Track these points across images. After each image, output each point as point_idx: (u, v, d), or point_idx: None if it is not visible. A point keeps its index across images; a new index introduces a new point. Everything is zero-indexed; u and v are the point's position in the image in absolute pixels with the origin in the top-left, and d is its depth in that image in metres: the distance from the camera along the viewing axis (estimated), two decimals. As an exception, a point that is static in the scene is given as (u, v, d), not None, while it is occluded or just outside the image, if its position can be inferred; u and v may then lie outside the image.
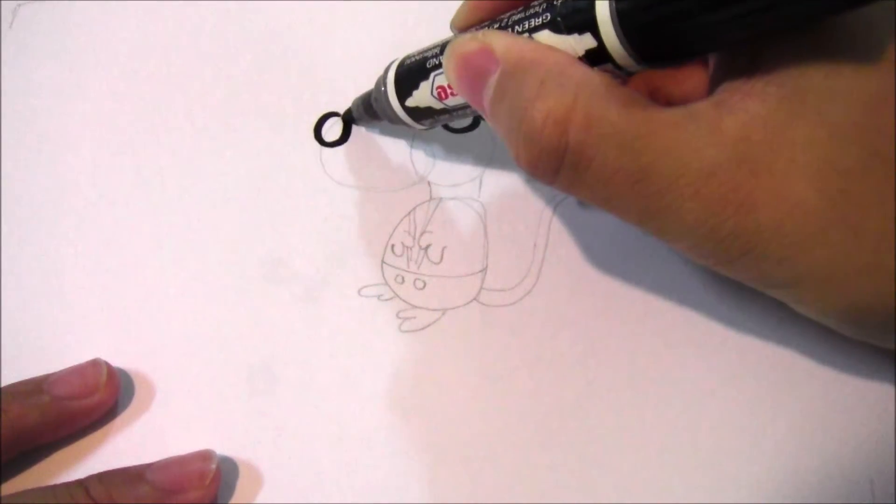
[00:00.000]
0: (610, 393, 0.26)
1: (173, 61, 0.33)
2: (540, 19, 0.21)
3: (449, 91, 0.24)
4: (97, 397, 0.26)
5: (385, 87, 0.26)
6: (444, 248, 0.29)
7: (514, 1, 0.23)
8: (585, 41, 0.20)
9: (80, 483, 0.24)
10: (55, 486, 0.25)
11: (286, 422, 0.27)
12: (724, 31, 0.18)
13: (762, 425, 0.25)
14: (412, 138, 0.31)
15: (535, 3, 0.21)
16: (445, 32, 0.25)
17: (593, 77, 0.20)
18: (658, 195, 0.19)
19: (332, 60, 0.32)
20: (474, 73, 0.22)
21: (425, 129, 0.27)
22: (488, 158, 0.30)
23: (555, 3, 0.21)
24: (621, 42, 0.19)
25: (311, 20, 0.33)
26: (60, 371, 0.27)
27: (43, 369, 0.27)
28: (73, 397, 0.26)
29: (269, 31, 0.33)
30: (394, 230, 0.29)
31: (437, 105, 0.25)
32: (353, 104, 0.30)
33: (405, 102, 0.26)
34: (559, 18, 0.20)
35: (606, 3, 0.19)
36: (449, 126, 0.31)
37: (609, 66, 0.20)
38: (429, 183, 0.30)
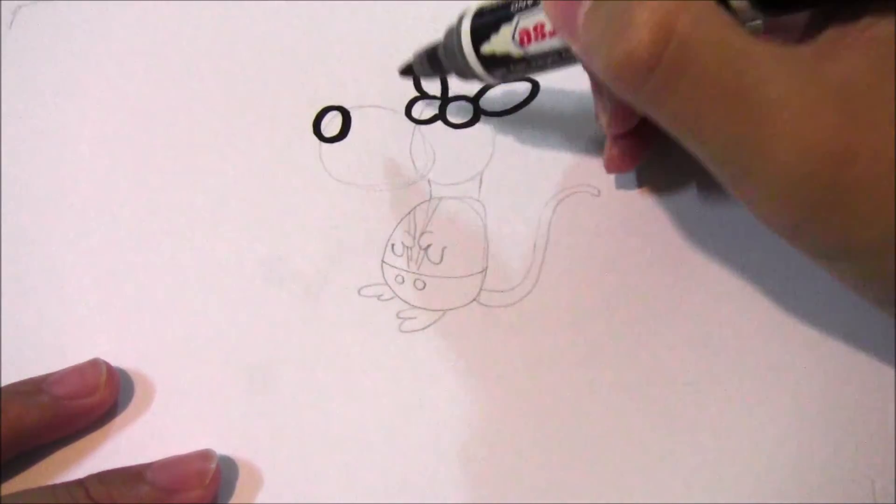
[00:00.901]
0: (610, 393, 0.26)
1: (172, 59, 0.33)
2: None
3: (533, 35, 0.23)
4: (97, 397, 0.26)
5: (459, 32, 0.25)
6: (444, 248, 0.29)
7: None
8: None
9: (80, 483, 0.24)
10: (55, 486, 0.25)
11: (286, 422, 0.27)
12: None
13: (762, 425, 0.25)
14: (412, 135, 0.31)
15: None
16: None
17: None
18: (754, 124, 0.18)
19: (331, 54, 0.32)
20: None
21: (496, 83, 0.26)
22: (488, 157, 0.30)
23: None
24: None
25: (310, 17, 0.33)
26: (60, 371, 0.27)
27: (43, 369, 0.27)
28: (73, 397, 0.26)
29: (268, 27, 0.33)
30: (394, 230, 0.29)
31: (517, 52, 0.24)
32: (415, 56, 0.28)
33: (481, 49, 0.25)
34: None
35: None
36: (449, 121, 0.31)
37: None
38: (429, 182, 0.30)
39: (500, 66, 0.25)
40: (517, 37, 0.24)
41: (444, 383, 0.27)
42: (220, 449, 0.26)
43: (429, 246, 0.29)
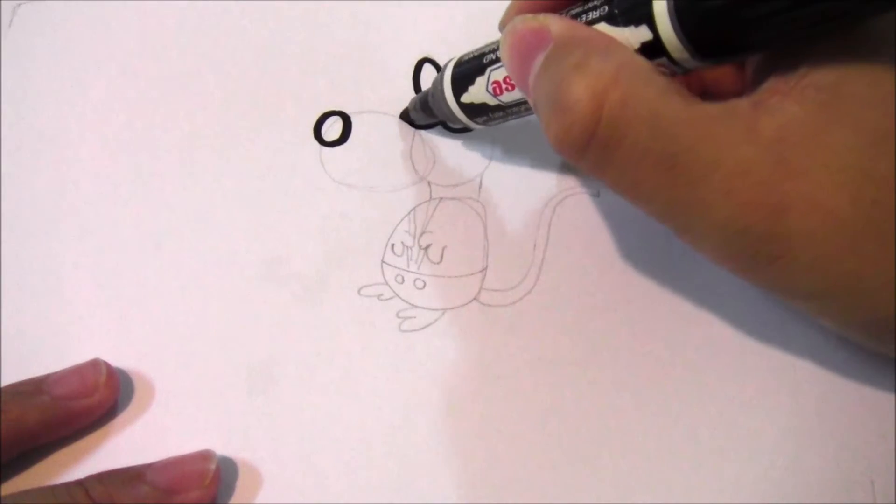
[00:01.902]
0: (610, 393, 0.26)
1: (173, 61, 0.33)
2: (598, 12, 0.21)
3: (504, 87, 0.24)
4: (97, 397, 0.26)
5: (442, 83, 0.27)
6: (444, 248, 0.29)
7: (562, 1, 0.23)
8: (641, 34, 0.20)
9: (80, 483, 0.24)
10: (55, 486, 0.24)
11: (286, 422, 0.27)
12: (787, 22, 0.18)
13: (762, 425, 0.25)
14: (412, 140, 0.31)
15: None
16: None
17: (639, 60, 0.20)
18: (689, 187, 0.19)
19: (333, 59, 0.32)
20: (527, 48, 0.21)
21: (480, 127, 0.28)
22: (488, 158, 0.30)
23: None
24: (677, 34, 0.19)
25: (310, 18, 0.33)
26: (60, 371, 0.27)
27: (43, 369, 0.27)
28: (73, 397, 0.26)
29: (269, 30, 0.33)
30: (394, 230, 0.29)
31: (492, 101, 0.25)
32: (411, 102, 0.30)
33: (461, 99, 0.26)
34: (616, 11, 0.21)
35: None
36: (448, 126, 0.31)
37: (664, 60, 0.20)
38: (429, 183, 0.30)
39: (480, 114, 0.26)
40: (490, 88, 0.25)
41: (444, 383, 0.27)
42: (220, 449, 0.26)
43: (429, 246, 0.29)
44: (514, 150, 0.30)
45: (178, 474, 0.25)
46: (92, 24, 0.34)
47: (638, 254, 0.28)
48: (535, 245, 0.29)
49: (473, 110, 0.26)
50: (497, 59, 0.24)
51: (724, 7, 0.18)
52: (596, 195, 0.29)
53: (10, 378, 0.27)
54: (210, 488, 0.25)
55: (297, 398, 0.27)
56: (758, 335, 0.27)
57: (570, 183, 0.29)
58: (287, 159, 0.31)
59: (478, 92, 0.25)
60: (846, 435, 0.25)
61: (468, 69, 0.26)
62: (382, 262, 0.29)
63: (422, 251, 0.29)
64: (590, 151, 0.20)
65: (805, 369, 0.26)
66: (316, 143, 0.31)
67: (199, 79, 0.32)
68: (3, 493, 0.25)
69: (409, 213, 0.29)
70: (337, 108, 0.31)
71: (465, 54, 0.26)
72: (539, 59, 0.21)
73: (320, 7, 0.33)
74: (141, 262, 0.29)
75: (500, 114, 0.26)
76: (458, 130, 0.31)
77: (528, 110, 0.25)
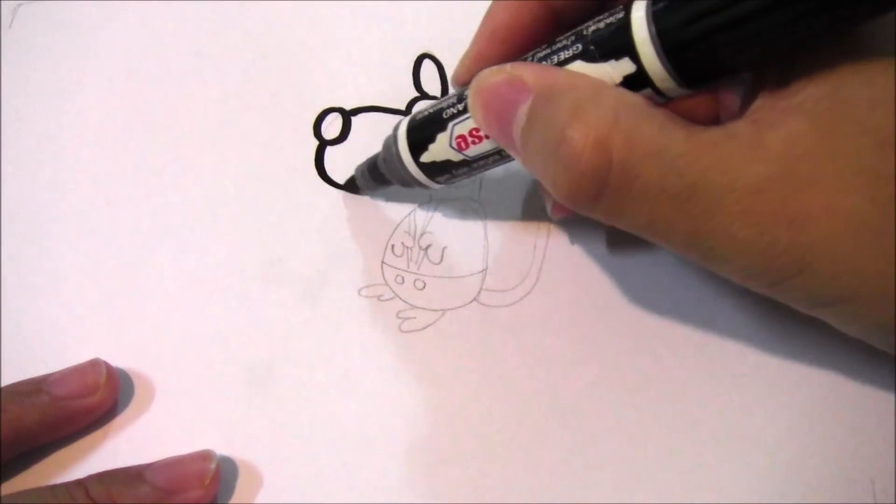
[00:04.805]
0: (609, 393, 0.26)
1: (172, 61, 0.33)
2: (570, 51, 0.20)
3: (470, 140, 0.24)
4: (97, 397, 0.26)
5: (396, 144, 0.25)
6: (444, 249, 0.29)
7: (521, 48, 0.23)
8: (623, 66, 0.19)
9: (80, 483, 0.24)
10: (55, 486, 0.25)
11: (286, 422, 0.27)
12: (771, 39, 0.18)
13: (762, 425, 0.25)
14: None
15: (562, 37, 0.21)
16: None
17: (629, 96, 0.19)
18: (705, 215, 0.19)
19: (332, 56, 0.32)
20: (503, 103, 0.21)
21: (440, 187, 0.26)
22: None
23: (584, 32, 0.20)
24: (662, 63, 0.19)
25: (310, 17, 0.33)
26: (60, 371, 0.27)
27: (43, 369, 0.27)
28: (73, 397, 0.26)
29: (268, 28, 0.33)
30: (394, 230, 0.29)
31: (457, 157, 0.24)
32: (357, 171, 0.29)
33: (420, 159, 0.25)
34: (592, 46, 0.20)
35: (644, 24, 0.19)
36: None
37: (648, 91, 0.20)
38: (429, 182, 0.30)
39: (442, 173, 0.25)
40: (454, 144, 0.24)
41: (444, 383, 0.27)
42: (220, 449, 0.26)
43: (429, 246, 0.29)
44: (515, 150, 0.30)
45: (178, 474, 0.25)
46: (92, 24, 0.34)
47: (638, 254, 0.28)
48: (535, 245, 0.29)
49: (435, 169, 0.25)
50: (459, 113, 0.23)
51: (709, 32, 0.18)
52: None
53: (10, 378, 0.27)
54: (210, 488, 0.25)
55: (297, 398, 0.27)
56: (758, 335, 0.27)
57: (571, 183, 0.29)
58: (287, 157, 0.31)
59: (440, 149, 0.24)
60: (846, 435, 0.25)
61: (426, 127, 0.25)
62: (382, 262, 0.29)
63: (422, 252, 0.29)
64: (603, 199, 0.20)
65: (805, 369, 0.26)
66: (316, 140, 0.31)
67: (199, 78, 0.32)
68: (3, 493, 0.25)
69: (409, 213, 0.29)
70: (336, 105, 0.31)
71: (417, 113, 0.25)
72: (521, 113, 0.21)
73: (320, 4, 0.33)
74: (141, 262, 0.29)
75: (465, 169, 0.25)
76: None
77: (497, 162, 0.24)
